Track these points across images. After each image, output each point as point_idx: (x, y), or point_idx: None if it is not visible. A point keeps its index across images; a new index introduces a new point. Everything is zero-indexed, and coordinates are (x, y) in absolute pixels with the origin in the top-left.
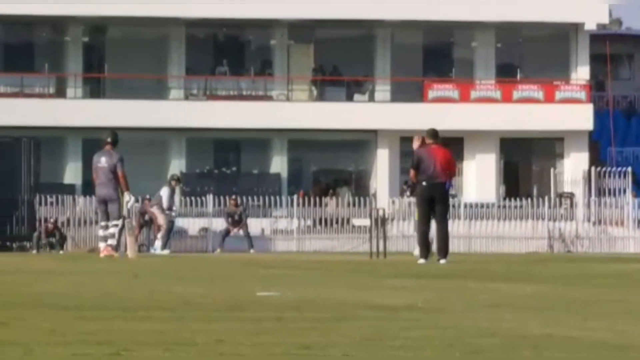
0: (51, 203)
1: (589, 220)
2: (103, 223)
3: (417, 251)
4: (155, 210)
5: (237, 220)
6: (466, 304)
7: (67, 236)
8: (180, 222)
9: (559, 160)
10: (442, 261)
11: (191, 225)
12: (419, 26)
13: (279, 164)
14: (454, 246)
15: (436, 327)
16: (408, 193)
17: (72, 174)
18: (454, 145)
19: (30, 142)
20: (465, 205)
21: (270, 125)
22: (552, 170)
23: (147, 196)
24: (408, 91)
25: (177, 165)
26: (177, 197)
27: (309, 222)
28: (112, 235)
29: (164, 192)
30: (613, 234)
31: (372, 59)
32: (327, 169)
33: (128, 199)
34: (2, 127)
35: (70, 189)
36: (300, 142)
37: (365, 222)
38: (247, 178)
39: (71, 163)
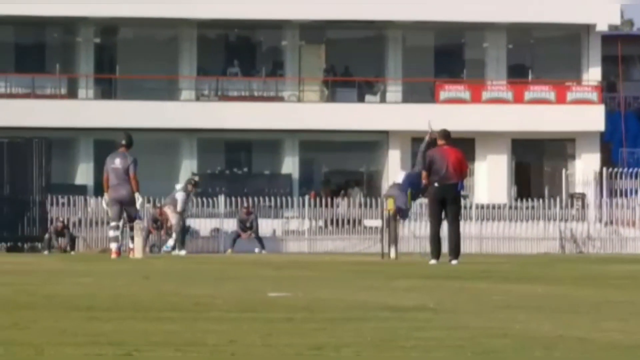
0: (62, 204)
1: (600, 221)
2: (114, 223)
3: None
4: (167, 210)
5: (249, 227)
6: (478, 304)
7: (76, 237)
8: (191, 223)
9: (570, 161)
10: (454, 262)
11: (202, 225)
12: (431, 27)
13: (290, 165)
14: (465, 247)
15: (448, 327)
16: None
17: (83, 174)
18: (465, 146)
19: (42, 143)
20: (477, 206)
21: (282, 126)
22: (563, 171)
23: (159, 204)
24: (419, 92)
25: (188, 166)
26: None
27: (321, 223)
28: (131, 238)
29: (180, 195)
30: (624, 234)
31: (384, 59)
32: (339, 169)
33: (138, 200)
34: (14, 128)
35: (81, 190)
36: (312, 142)
37: (377, 222)
38: (258, 179)
39: (82, 164)
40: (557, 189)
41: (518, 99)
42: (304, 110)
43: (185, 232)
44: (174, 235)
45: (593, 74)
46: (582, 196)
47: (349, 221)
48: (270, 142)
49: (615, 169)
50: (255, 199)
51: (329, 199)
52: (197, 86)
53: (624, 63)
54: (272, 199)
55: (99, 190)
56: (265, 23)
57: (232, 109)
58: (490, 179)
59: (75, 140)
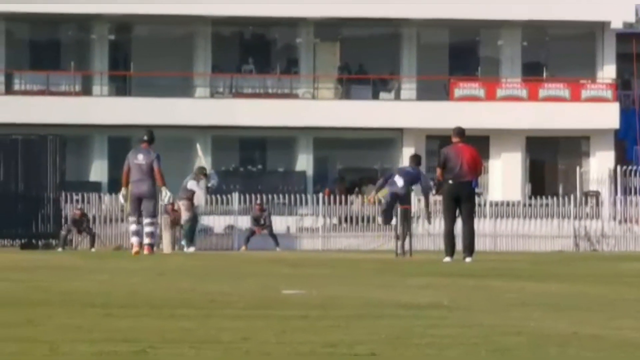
0: (77, 201)
1: (614, 219)
2: (134, 218)
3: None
4: (181, 205)
5: (263, 224)
6: (492, 302)
7: (95, 232)
8: (205, 220)
9: (584, 159)
10: (468, 259)
11: (217, 223)
12: (445, 25)
13: (304, 162)
14: (479, 245)
15: (462, 325)
16: (434, 191)
17: (97, 171)
18: (479, 144)
19: (56, 140)
20: (491, 204)
21: (296, 123)
22: (577, 168)
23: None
24: (434, 89)
25: (202, 164)
26: (200, 192)
27: (335, 220)
28: (151, 234)
29: (192, 184)
30: (639, 232)
31: (398, 57)
32: (353, 167)
33: (165, 194)
34: (29, 124)
35: (95, 187)
36: (326, 140)
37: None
38: (272, 176)
39: (97, 161)
40: (572, 187)
41: (533, 97)
42: (319, 108)
43: (194, 228)
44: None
45: (608, 71)
46: (597, 194)
47: (363, 219)
48: (284, 139)
49: (630, 167)
50: (270, 196)
51: (343, 197)
52: (211, 83)
53: (638, 61)
54: (286, 196)
55: (113, 187)
56: (280, 20)
57: (247, 106)
58: (504, 176)
59: (89, 137)
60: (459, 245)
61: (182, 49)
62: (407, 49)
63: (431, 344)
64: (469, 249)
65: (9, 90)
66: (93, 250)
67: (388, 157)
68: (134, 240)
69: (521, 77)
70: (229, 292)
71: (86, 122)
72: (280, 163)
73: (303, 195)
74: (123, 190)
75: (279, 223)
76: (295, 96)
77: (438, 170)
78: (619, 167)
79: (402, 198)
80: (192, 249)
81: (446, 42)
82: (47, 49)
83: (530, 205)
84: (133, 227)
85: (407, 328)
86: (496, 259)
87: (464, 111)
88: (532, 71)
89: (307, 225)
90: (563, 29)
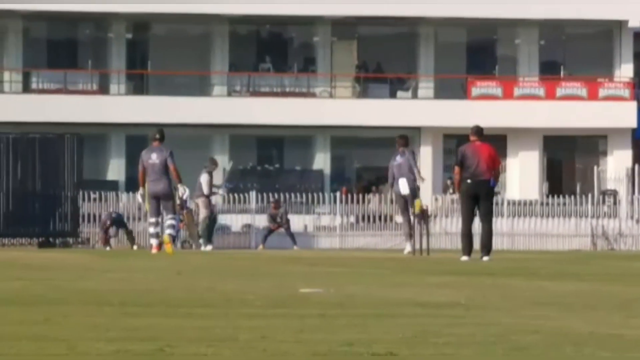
0: (94, 199)
1: (632, 217)
2: (153, 220)
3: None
4: (199, 202)
5: (280, 222)
6: (509, 301)
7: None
8: (223, 219)
9: (602, 158)
10: (485, 258)
11: (234, 221)
12: (463, 23)
13: (322, 161)
14: (496, 243)
15: (479, 324)
16: (451, 190)
17: (115, 170)
18: (497, 143)
19: (74, 139)
20: (508, 203)
21: (313, 122)
22: (595, 167)
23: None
24: (451, 88)
25: (220, 162)
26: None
27: (352, 219)
28: (172, 227)
29: (203, 177)
30: None
31: (416, 56)
32: (370, 165)
33: (183, 191)
34: (46, 123)
35: (113, 186)
36: (343, 139)
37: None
38: (290, 175)
39: (114, 159)
40: (589, 186)
41: (550, 96)
42: (336, 106)
43: (212, 227)
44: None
45: (625, 70)
46: (614, 193)
47: (380, 217)
48: (301, 138)
49: None
50: (287, 194)
51: (360, 195)
52: (228, 82)
53: None
54: (304, 195)
55: (130, 186)
56: (297, 19)
57: (264, 104)
58: (521, 175)
59: (106, 136)
60: (477, 244)
61: (199, 48)
62: (425, 47)
63: (448, 343)
64: (487, 247)
65: (26, 89)
66: (135, 248)
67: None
68: (153, 242)
69: (538, 76)
70: (247, 291)
71: (103, 120)
72: (297, 162)
73: (320, 194)
74: (141, 190)
75: (296, 222)
76: (312, 95)
77: (456, 169)
78: (636, 166)
79: (407, 198)
80: (209, 248)
81: (464, 40)
82: (65, 48)
83: (547, 204)
84: (152, 229)
85: (425, 327)
86: (513, 258)
87: (481, 110)
88: (550, 70)
89: (324, 224)
90: (580, 28)
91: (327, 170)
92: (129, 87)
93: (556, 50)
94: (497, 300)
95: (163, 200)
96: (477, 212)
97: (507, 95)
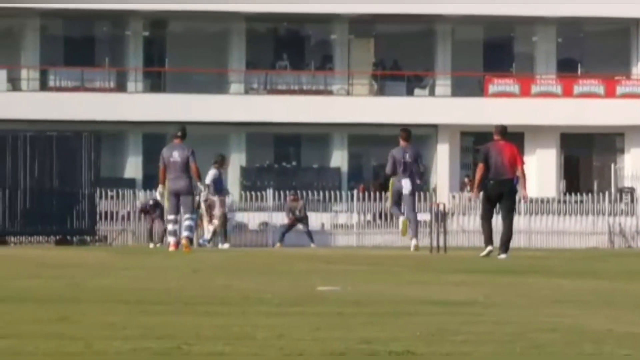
0: (111, 197)
1: None
2: (172, 217)
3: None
4: (215, 199)
5: (300, 216)
6: (527, 299)
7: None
8: (240, 217)
9: (619, 155)
10: (502, 256)
11: (251, 219)
12: (480, 21)
13: (339, 159)
14: (513, 241)
15: (497, 322)
16: (468, 188)
17: (132, 168)
18: (514, 140)
19: (91, 137)
20: (526, 200)
21: (331, 119)
22: (612, 165)
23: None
24: (468, 86)
25: (237, 160)
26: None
27: (369, 217)
28: (190, 228)
29: (210, 173)
30: None
31: (433, 53)
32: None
33: (202, 190)
34: (63, 121)
35: (130, 183)
36: (361, 136)
37: (426, 216)
38: (307, 173)
39: (131, 157)
40: (606, 183)
41: (567, 93)
42: (353, 104)
43: (225, 226)
44: (210, 227)
45: None
46: (631, 190)
47: None
48: (319, 135)
49: None
50: (304, 192)
51: (377, 193)
52: (246, 80)
53: None
54: (321, 192)
55: (147, 184)
56: (314, 17)
57: (281, 102)
58: (539, 173)
59: (124, 134)
60: (495, 242)
61: (216, 46)
62: (442, 45)
63: (466, 341)
64: (505, 245)
65: (43, 86)
66: (151, 246)
67: (422, 153)
68: (171, 239)
69: (556, 74)
70: (264, 289)
71: (121, 118)
72: (314, 159)
73: (337, 192)
74: (160, 188)
75: (314, 219)
76: (329, 92)
77: (480, 165)
78: None
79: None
80: (226, 246)
81: (481, 38)
82: (82, 46)
83: (564, 201)
84: (170, 227)
85: (442, 325)
86: (531, 256)
87: (498, 107)
88: (567, 67)
89: (341, 222)
90: (598, 25)
91: (344, 168)
92: (146, 84)
93: (573, 47)
94: (514, 298)
95: (183, 197)
96: (499, 210)
97: (525, 92)
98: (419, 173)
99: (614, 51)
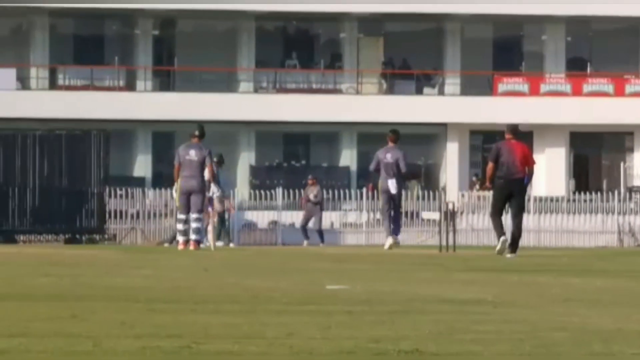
0: (120, 196)
1: None
2: (182, 216)
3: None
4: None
5: (316, 201)
6: (536, 298)
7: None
8: (249, 215)
9: (628, 154)
10: (510, 256)
11: (260, 218)
12: (489, 20)
13: (348, 157)
14: (523, 240)
15: (506, 321)
16: (478, 186)
17: (141, 166)
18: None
19: (100, 135)
20: (535, 199)
21: (340, 118)
22: (621, 164)
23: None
24: (478, 85)
25: (246, 159)
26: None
27: (378, 216)
28: (198, 230)
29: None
30: None
31: (442, 52)
32: None
33: (215, 191)
34: (72, 120)
35: (139, 182)
36: (370, 135)
37: (435, 215)
38: (316, 171)
39: (141, 156)
40: (616, 182)
41: (576, 92)
42: (362, 103)
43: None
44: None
45: None
46: None
47: (406, 214)
48: (328, 134)
49: None
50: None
51: None
52: (255, 78)
53: None
54: (330, 191)
55: (157, 182)
56: (323, 15)
57: (290, 101)
58: (548, 171)
59: (133, 132)
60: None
61: (225, 44)
62: (451, 44)
63: (475, 340)
64: (514, 245)
65: (53, 85)
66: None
67: (432, 152)
68: (181, 238)
69: (565, 72)
70: (273, 288)
71: (130, 117)
72: (324, 158)
73: (347, 191)
74: (175, 186)
75: (323, 218)
76: (339, 91)
77: (490, 164)
78: None
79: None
80: (220, 243)
81: (490, 37)
82: (91, 44)
83: (574, 200)
84: (180, 226)
85: (451, 324)
86: (540, 255)
87: (507, 106)
88: (576, 66)
89: (350, 221)
90: (607, 24)
91: (354, 166)
92: (155, 83)
93: (583, 46)
94: (524, 297)
95: (193, 195)
96: (509, 208)
97: (534, 91)
98: (400, 175)
99: (624, 50)
